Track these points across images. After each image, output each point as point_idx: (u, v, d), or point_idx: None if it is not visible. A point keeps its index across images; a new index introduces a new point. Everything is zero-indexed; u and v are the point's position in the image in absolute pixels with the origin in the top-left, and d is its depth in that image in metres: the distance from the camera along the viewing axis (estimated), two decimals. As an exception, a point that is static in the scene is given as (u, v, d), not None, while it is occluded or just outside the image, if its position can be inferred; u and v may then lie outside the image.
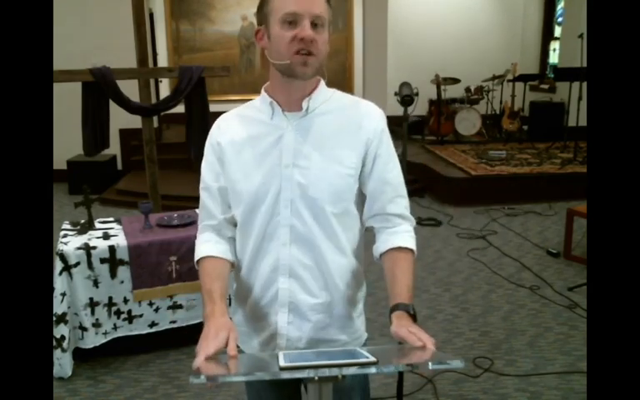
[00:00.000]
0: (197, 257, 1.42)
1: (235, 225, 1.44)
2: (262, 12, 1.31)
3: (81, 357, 3.08)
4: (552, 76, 9.16)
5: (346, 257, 1.39)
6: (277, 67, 1.32)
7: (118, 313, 3.06)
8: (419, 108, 8.49)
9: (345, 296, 1.41)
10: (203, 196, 1.44)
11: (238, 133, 1.39)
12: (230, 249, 1.44)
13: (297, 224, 1.34)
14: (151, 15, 8.05)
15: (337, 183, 1.34)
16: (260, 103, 1.40)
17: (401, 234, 1.39)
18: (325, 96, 1.38)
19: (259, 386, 1.50)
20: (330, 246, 1.36)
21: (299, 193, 1.33)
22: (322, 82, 1.39)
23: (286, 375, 1.05)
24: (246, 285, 1.43)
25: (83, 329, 3.00)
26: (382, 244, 1.40)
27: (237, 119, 1.42)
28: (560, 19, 9.29)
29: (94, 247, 2.99)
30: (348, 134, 1.35)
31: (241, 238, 1.42)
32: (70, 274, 2.95)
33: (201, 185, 1.45)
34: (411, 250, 1.38)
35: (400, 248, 1.37)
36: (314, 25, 1.25)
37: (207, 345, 1.15)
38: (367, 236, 1.47)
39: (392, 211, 1.40)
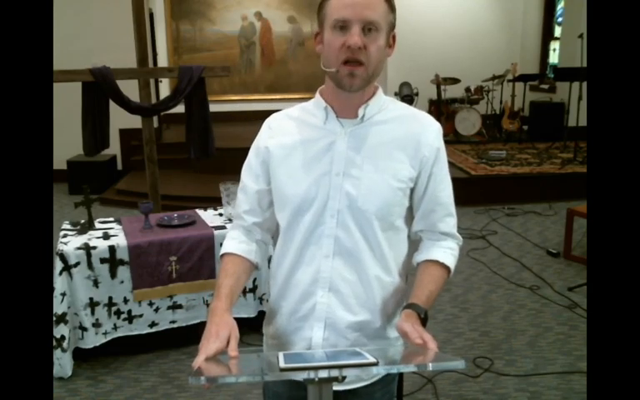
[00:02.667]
0: (221, 251, 1.42)
1: (267, 230, 1.43)
2: (320, 16, 1.27)
3: (81, 357, 3.08)
4: (552, 76, 9.15)
5: (390, 275, 1.35)
6: (327, 75, 1.28)
7: (118, 313, 3.06)
8: (419, 108, 8.49)
9: (385, 315, 1.36)
10: (239, 195, 1.43)
11: (289, 136, 1.34)
12: (256, 251, 1.42)
13: (343, 236, 1.29)
14: (151, 15, 8.05)
15: (387, 197, 1.29)
16: (313, 107, 1.35)
17: (442, 249, 1.37)
18: (382, 104, 1.33)
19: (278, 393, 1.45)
20: (375, 262, 1.32)
21: (347, 204, 1.28)
22: (380, 90, 1.34)
23: (285, 376, 1.05)
24: (282, 295, 1.39)
25: (83, 329, 3.00)
26: (422, 254, 1.39)
27: (289, 121, 1.37)
28: (560, 19, 9.29)
29: (94, 247, 2.99)
30: (405, 147, 1.30)
31: (282, 244, 1.38)
32: (70, 274, 2.95)
33: (239, 184, 1.44)
34: (447, 267, 1.37)
35: (437, 262, 1.36)
36: (368, 30, 1.20)
37: (207, 345, 1.14)
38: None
39: (440, 230, 1.38)
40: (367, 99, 1.31)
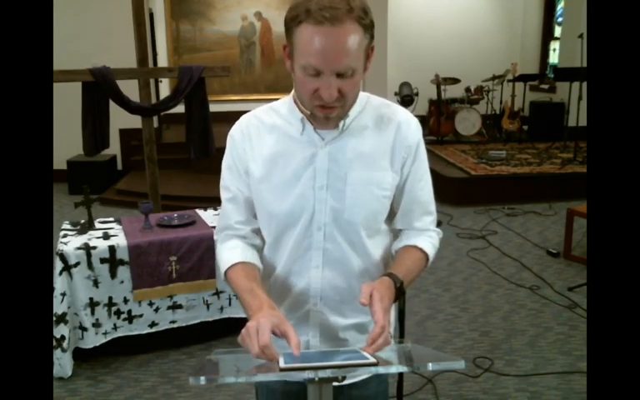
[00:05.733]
0: (225, 265, 1.31)
1: (260, 235, 1.37)
2: (288, 33, 1.16)
3: (81, 357, 3.08)
4: (552, 76, 9.16)
5: (377, 271, 1.33)
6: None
7: (118, 313, 3.06)
8: (419, 108, 8.50)
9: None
10: (228, 206, 1.35)
11: (268, 148, 1.28)
12: (259, 257, 1.36)
13: (331, 248, 1.28)
14: (151, 15, 8.05)
15: (373, 207, 1.27)
16: (288, 113, 1.29)
17: (421, 238, 1.36)
18: (360, 105, 1.28)
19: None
20: (363, 267, 1.31)
21: (333, 217, 1.26)
22: None
23: (285, 376, 1.05)
24: (274, 302, 1.34)
25: (83, 329, 3.00)
26: (400, 242, 1.37)
27: (265, 128, 1.30)
28: (560, 19, 9.29)
29: (94, 247, 2.99)
30: (385, 153, 1.27)
31: (270, 255, 1.35)
32: (70, 274, 2.95)
33: (225, 194, 1.35)
34: (425, 253, 1.35)
35: (415, 247, 1.35)
36: (342, 75, 1.12)
37: (252, 345, 1.05)
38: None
39: (417, 228, 1.37)
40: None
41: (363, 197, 1.26)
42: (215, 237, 1.41)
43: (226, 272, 1.32)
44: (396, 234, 1.40)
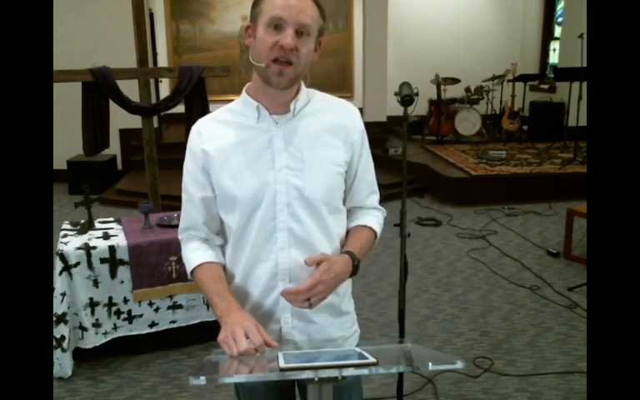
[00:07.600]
0: (191, 266, 1.42)
1: (221, 235, 1.44)
2: (254, 10, 1.31)
3: (81, 357, 3.08)
4: (552, 76, 9.15)
5: (338, 252, 1.42)
6: (255, 69, 1.33)
7: (118, 313, 3.06)
8: (419, 108, 8.47)
9: (341, 290, 1.43)
10: (187, 207, 1.44)
11: (224, 139, 1.36)
12: (220, 255, 1.44)
13: (295, 227, 1.35)
14: (151, 15, 8.05)
15: (330, 182, 1.36)
16: (242, 107, 1.39)
17: (369, 217, 1.48)
18: (307, 97, 1.40)
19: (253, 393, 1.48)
20: (327, 245, 1.38)
21: (296, 195, 1.34)
22: (302, 84, 1.40)
23: (286, 376, 1.05)
24: (242, 294, 1.40)
25: (83, 329, 3.00)
26: (352, 222, 1.49)
27: (219, 124, 1.39)
28: (560, 19, 9.29)
29: (94, 247, 2.99)
30: (336, 133, 1.38)
31: (234, 246, 1.40)
32: (70, 274, 2.95)
33: (184, 195, 1.44)
34: (374, 231, 1.48)
35: (365, 226, 1.47)
36: (299, 33, 1.25)
37: (232, 346, 1.18)
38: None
39: (367, 206, 1.50)
40: (295, 94, 1.36)
41: (321, 173, 1.35)
42: (179, 237, 1.49)
43: (192, 272, 1.42)
44: (347, 214, 1.50)
